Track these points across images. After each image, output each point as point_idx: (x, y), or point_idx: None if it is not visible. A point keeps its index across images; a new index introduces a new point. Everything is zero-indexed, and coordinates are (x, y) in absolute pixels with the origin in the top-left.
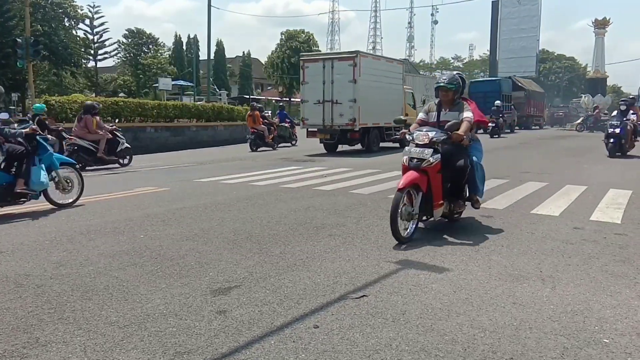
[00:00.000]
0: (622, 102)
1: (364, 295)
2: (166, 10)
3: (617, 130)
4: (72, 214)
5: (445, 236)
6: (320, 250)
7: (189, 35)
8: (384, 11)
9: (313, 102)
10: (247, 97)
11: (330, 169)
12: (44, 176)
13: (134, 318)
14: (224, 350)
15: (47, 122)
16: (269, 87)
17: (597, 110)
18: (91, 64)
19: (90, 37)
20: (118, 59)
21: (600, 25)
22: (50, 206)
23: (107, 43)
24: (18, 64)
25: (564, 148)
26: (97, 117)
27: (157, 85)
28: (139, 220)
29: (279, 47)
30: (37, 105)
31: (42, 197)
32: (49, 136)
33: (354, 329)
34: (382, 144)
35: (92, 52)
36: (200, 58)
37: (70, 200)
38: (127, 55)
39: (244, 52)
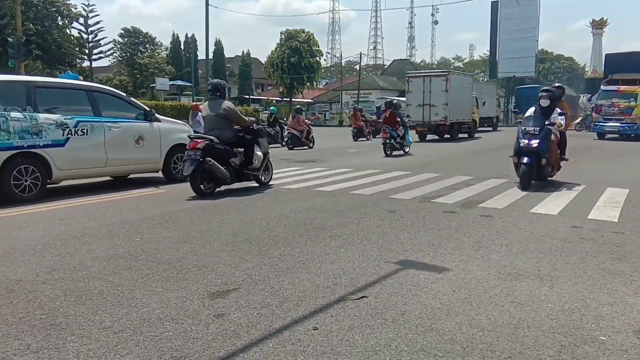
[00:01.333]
0: (544, 94)
1: (364, 296)
2: (163, 8)
3: (535, 144)
4: (65, 216)
5: (444, 236)
6: (320, 252)
7: (186, 35)
8: (384, 11)
9: (415, 105)
10: (247, 97)
11: (331, 170)
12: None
13: (129, 323)
14: (221, 354)
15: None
16: (270, 87)
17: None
18: (86, 63)
19: (85, 36)
20: (114, 58)
21: (598, 25)
22: (42, 209)
23: (102, 42)
24: (9, 63)
25: None
26: (302, 116)
27: (154, 85)
28: (135, 223)
29: (279, 46)
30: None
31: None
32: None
33: (353, 330)
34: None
35: (86, 51)
36: (199, 58)
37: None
38: (123, 54)
39: (243, 51)
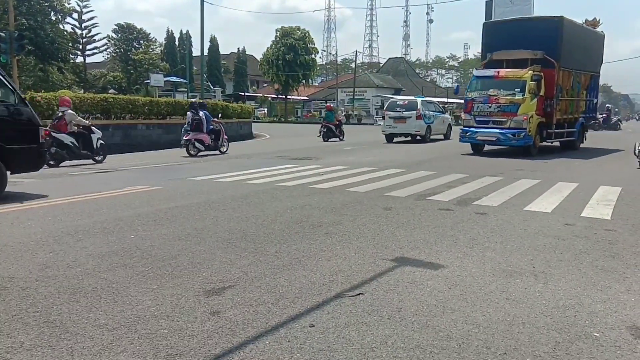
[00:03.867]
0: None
1: (360, 293)
2: (158, 4)
3: None
4: (58, 213)
5: (440, 233)
6: (316, 249)
7: (181, 31)
8: (380, 9)
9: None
10: (242, 94)
11: (327, 167)
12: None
13: (124, 320)
14: (217, 352)
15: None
16: (265, 85)
17: None
18: (79, 59)
19: (79, 31)
20: (108, 54)
21: (591, 25)
22: (35, 206)
23: (96, 38)
24: (1, 59)
25: (556, 146)
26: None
27: (148, 81)
28: (129, 220)
29: (274, 44)
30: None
31: None
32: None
33: (349, 327)
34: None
35: (80, 47)
36: (194, 54)
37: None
38: (117, 50)
39: (238, 48)
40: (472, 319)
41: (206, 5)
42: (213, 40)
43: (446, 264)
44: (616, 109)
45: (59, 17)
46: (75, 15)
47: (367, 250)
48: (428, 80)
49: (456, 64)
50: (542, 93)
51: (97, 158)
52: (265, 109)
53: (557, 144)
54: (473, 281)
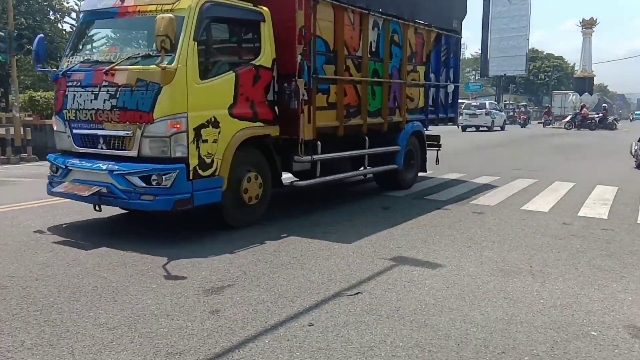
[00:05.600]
0: None
1: (359, 293)
2: None
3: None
4: (58, 213)
5: (437, 232)
6: (314, 248)
7: None
8: None
9: None
10: None
11: None
12: None
13: (124, 319)
14: (217, 351)
15: None
16: None
17: (584, 109)
18: None
19: None
20: None
21: (588, 25)
22: (34, 205)
23: None
24: (1, 58)
25: (552, 145)
26: None
27: None
28: (129, 219)
29: None
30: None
31: None
32: None
33: (348, 326)
34: None
35: None
36: None
37: None
38: None
39: None
40: (470, 318)
41: None
42: None
43: (444, 263)
44: (620, 111)
45: (58, 16)
46: (74, 15)
47: (365, 249)
48: None
49: None
50: (262, 60)
51: None
52: None
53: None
54: (471, 280)
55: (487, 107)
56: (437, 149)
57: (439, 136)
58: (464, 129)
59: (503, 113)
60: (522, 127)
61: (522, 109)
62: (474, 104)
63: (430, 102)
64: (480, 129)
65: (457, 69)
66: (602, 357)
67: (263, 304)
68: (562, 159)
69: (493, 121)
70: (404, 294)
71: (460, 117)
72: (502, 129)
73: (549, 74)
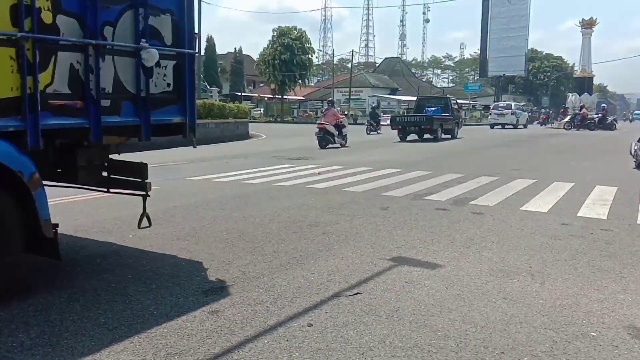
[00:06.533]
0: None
1: (358, 293)
2: None
3: None
4: (57, 213)
5: (436, 233)
6: (313, 249)
7: None
8: (376, 9)
9: None
10: (239, 94)
11: (324, 167)
12: None
13: (123, 319)
14: (216, 351)
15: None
16: (262, 85)
17: (583, 109)
18: None
19: None
20: None
21: (587, 25)
22: None
23: None
24: None
25: (552, 146)
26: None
27: None
28: (128, 220)
29: (271, 43)
30: None
31: None
32: None
33: (347, 326)
34: None
35: None
36: None
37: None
38: None
39: (235, 48)
40: (470, 319)
41: (203, 5)
42: (210, 40)
43: (443, 264)
44: (624, 112)
45: None
46: None
47: (364, 249)
48: (424, 80)
49: (452, 64)
50: None
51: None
52: (262, 109)
53: None
54: (470, 281)
55: (513, 107)
56: (142, 194)
57: (144, 167)
58: (492, 126)
59: (526, 113)
60: (541, 126)
61: (543, 110)
62: (501, 105)
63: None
64: (506, 126)
65: (184, 20)
66: (602, 358)
67: (262, 304)
68: (561, 159)
69: (517, 120)
70: (403, 294)
71: (489, 117)
72: (525, 127)
73: (549, 74)
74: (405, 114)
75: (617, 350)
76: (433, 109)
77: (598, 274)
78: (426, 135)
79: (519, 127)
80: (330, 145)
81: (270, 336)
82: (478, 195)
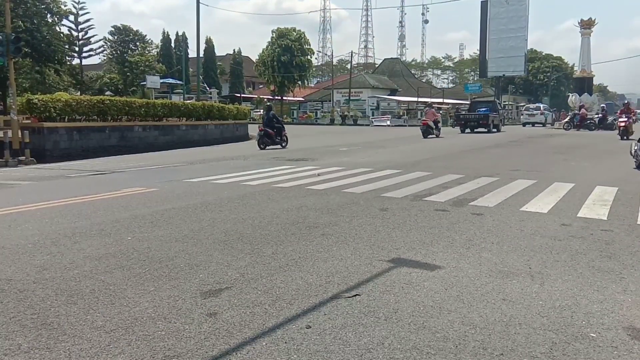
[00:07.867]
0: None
1: (357, 295)
2: (154, 6)
3: None
4: (55, 215)
5: (436, 234)
6: (312, 250)
7: (177, 33)
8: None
9: None
10: (239, 95)
11: (323, 168)
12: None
13: (121, 322)
14: (214, 353)
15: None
16: (261, 86)
17: (583, 110)
18: (76, 61)
19: (75, 33)
20: (104, 56)
21: (586, 25)
22: (32, 208)
23: (92, 40)
24: None
25: (552, 146)
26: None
27: (144, 83)
28: (126, 222)
29: (270, 45)
30: None
31: None
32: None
33: (346, 328)
34: None
35: (76, 49)
36: (190, 56)
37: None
38: (114, 52)
39: (234, 49)
40: (469, 320)
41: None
42: (209, 42)
43: (442, 265)
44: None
45: (56, 19)
46: (71, 17)
47: (363, 251)
48: (424, 80)
49: (451, 65)
50: None
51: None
52: (261, 110)
53: None
54: (469, 282)
55: (542, 109)
56: None
57: None
58: (524, 124)
59: (552, 113)
60: (542, 126)
61: (564, 110)
62: (531, 107)
63: None
64: (536, 125)
65: None
66: (602, 359)
67: (260, 306)
68: (561, 159)
69: (546, 119)
70: (402, 295)
71: (522, 117)
72: (552, 125)
73: (548, 74)
74: (467, 113)
75: (617, 352)
76: (484, 109)
77: (598, 275)
78: (479, 129)
79: (547, 125)
80: (430, 136)
81: (269, 338)
82: (478, 196)
